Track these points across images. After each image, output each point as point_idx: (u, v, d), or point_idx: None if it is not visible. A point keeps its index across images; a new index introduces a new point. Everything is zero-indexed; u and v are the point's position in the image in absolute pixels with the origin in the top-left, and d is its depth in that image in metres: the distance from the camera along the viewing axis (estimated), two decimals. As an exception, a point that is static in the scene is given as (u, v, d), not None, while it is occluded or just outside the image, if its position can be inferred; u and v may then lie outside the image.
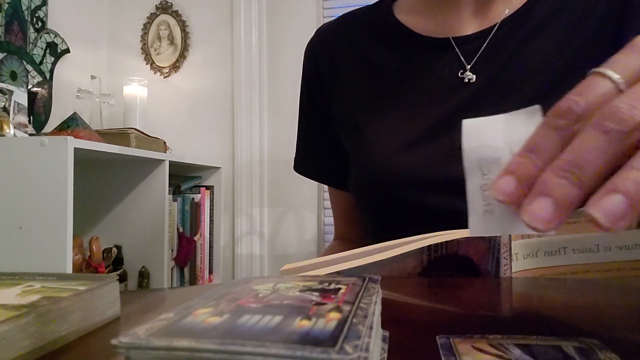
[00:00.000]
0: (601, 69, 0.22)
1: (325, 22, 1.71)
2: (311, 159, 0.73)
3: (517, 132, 0.23)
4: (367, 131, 0.60)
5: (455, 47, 0.58)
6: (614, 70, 0.22)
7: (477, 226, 0.24)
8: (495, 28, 0.57)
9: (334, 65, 0.66)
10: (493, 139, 0.24)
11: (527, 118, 0.24)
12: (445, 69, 0.58)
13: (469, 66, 0.57)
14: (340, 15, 0.71)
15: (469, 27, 0.59)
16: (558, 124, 0.21)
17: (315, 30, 0.72)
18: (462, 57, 0.58)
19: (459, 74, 0.57)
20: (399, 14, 0.64)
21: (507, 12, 0.58)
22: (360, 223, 0.71)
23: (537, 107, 0.24)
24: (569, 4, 0.56)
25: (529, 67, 0.55)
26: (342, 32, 0.68)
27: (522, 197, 0.21)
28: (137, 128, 1.51)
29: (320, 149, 0.71)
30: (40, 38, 1.64)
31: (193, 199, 1.69)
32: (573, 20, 0.55)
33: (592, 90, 0.22)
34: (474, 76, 0.56)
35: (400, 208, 0.57)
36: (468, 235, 0.40)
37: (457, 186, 0.57)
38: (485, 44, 0.57)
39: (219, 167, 1.81)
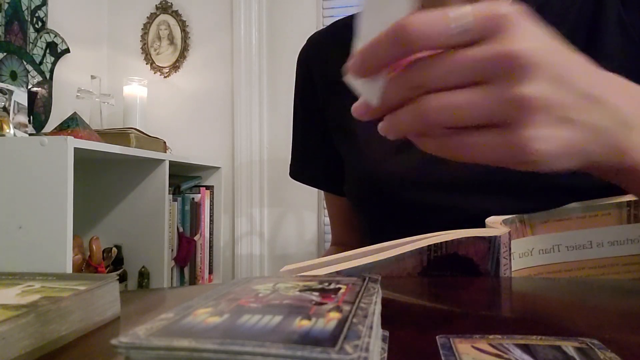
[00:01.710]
0: (457, 12, 0.24)
1: (325, 22, 1.72)
2: (307, 164, 0.73)
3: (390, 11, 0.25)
4: (361, 135, 0.60)
5: None
6: (463, 20, 0.24)
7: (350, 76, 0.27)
8: None
9: (326, 72, 0.67)
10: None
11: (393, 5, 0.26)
12: None
13: None
14: (334, 19, 0.72)
15: None
16: (396, 37, 0.24)
17: (307, 38, 0.73)
18: None
19: None
20: None
21: None
22: (358, 228, 0.71)
23: None
24: (550, 1, 0.56)
25: None
26: (333, 39, 0.69)
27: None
28: (137, 128, 1.51)
29: (316, 155, 0.71)
30: (40, 38, 1.64)
31: (193, 198, 1.69)
32: (555, 16, 0.55)
33: (436, 27, 0.24)
34: None
35: (396, 209, 0.57)
36: (467, 235, 0.40)
37: (451, 184, 0.57)
38: None
39: (219, 167, 1.81)
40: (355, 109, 0.28)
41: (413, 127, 0.27)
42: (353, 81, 0.27)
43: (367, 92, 0.27)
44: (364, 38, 0.26)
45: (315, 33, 0.73)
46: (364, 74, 0.26)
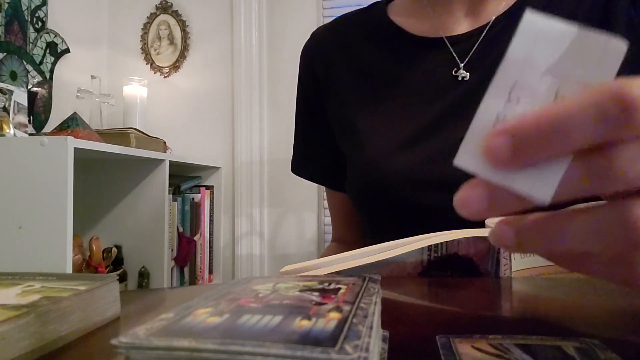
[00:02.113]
0: None
1: (325, 22, 1.72)
2: (308, 160, 0.73)
3: (580, 66, 0.17)
4: (363, 132, 0.60)
5: (449, 46, 0.59)
6: None
7: (466, 157, 0.18)
8: (488, 26, 0.58)
9: (329, 67, 0.67)
10: (546, 59, 0.18)
11: (601, 51, 0.17)
12: (439, 68, 0.58)
13: (462, 64, 0.57)
14: (335, 17, 0.72)
15: (462, 26, 0.60)
16: (609, 114, 0.16)
17: (311, 33, 0.73)
18: (455, 56, 0.58)
19: (453, 72, 0.58)
20: (393, 15, 0.65)
21: (500, 10, 0.58)
22: (358, 225, 0.71)
23: (621, 45, 0.17)
24: (555, 1, 0.57)
25: None
26: (337, 34, 0.69)
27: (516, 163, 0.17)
28: (137, 128, 1.52)
29: (317, 151, 0.71)
30: (40, 38, 1.64)
31: (193, 199, 1.69)
32: (562, 16, 0.55)
33: None
34: (468, 74, 0.57)
35: (397, 208, 0.57)
36: (467, 235, 0.40)
37: (453, 184, 0.57)
38: (479, 42, 0.58)
39: (219, 167, 1.81)
40: (466, 202, 0.19)
41: (602, 244, 0.18)
42: (486, 168, 0.18)
43: (527, 186, 0.17)
44: (526, 96, 0.18)
45: (318, 28, 0.73)
46: (528, 160, 0.17)
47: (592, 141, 0.17)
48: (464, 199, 0.19)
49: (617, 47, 0.17)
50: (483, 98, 0.19)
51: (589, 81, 0.17)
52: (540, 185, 0.17)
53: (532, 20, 0.18)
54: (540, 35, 0.18)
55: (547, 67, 0.18)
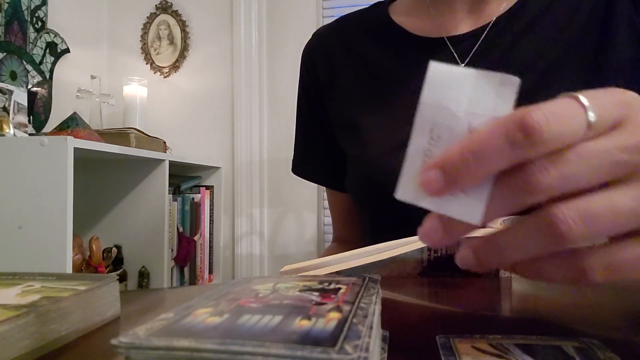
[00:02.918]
0: (583, 100, 0.20)
1: (325, 22, 1.72)
2: (309, 160, 0.73)
3: (484, 101, 0.20)
4: (364, 131, 0.60)
5: (450, 46, 0.59)
6: (593, 110, 0.19)
7: (405, 190, 0.22)
8: (489, 26, 0.58)
9: (331, 67, 0.67)
10: (456, 103, 0.21)
11: (499, 87, 0.20)
12: None
13: (463, 64, 0.58)
14: (336, 18, 0.72)
15: (464, 26, 0.60)
16: (516, 139, 0.19)
17: (312, 33, 0.73)
18: (456, 56, 0.58)
19: None
20: (395, 15, 0.65)
21: (501, 10, 0.59)
22: (358, 225, 0.72)
23: (515, 79, 0.20)
24: (558, 0, 0.57)
25: (522, 63, 0.55)
26: (339, 34, 0.69)
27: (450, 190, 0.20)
28: (137, 128, 1.51)
29: (318, 151, 0.71)
30: (40, 38, 1.64)
31: (193, 198, 1.69)
32: (563, 16, 0.56)
33: (565, 120, 0.19)
34: None
35: (397, 207, 0.57)
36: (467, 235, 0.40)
37: None
38: (479, 42, 0.58)
39: (219, 167, 1.81)
40: (427, 233, 0.22)
41: (537, 248, 0.20)
42: (424, 199, 0.21)
43: (459, 211, 0.20)
44: (438, 136, 0.21)
45: (320, 28, 0.73)
46: (459, 185, 0.20)
47: (506, 164, 0.19)
48: (424, 232, 0.22)
49: (511, 81, 0.20)
50: (410, 139, 0.22)
51: (493, 113, 0.20)
52: (471, 208, 0.20)
53: (437, 70, 0.21)
54: (446, 81, 0.21)
55: (457, 107, 0.21)
